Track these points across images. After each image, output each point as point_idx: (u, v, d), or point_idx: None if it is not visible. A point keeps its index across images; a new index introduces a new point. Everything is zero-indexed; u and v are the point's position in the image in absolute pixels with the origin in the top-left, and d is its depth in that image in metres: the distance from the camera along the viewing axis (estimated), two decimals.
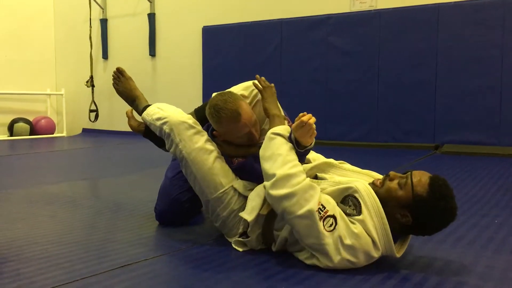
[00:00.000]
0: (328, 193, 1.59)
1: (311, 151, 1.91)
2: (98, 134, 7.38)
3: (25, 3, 7.53)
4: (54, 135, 7.48)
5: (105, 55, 7.39)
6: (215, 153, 1.84)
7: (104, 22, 7.34)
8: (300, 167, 1.59)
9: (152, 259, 1.68)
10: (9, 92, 7.27)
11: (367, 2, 5.31)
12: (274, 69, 5.77)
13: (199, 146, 1.83)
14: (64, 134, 7.65)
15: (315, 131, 1.64)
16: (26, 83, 7.54)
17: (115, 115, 7.25)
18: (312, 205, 1.48)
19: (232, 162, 1.88)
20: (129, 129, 2.16)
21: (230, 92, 1.88)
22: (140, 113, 2.10)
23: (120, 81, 2.21)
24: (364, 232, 1.47)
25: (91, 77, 6.90)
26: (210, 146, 1.85)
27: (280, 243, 1.67)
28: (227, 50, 6.15)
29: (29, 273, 1.53)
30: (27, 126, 7.10)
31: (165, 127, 1.88)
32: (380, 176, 1.66)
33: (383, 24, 5.14)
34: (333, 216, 1.48)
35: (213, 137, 1.91)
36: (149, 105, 2.09)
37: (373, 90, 5.22)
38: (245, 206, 1.76)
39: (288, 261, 1.62)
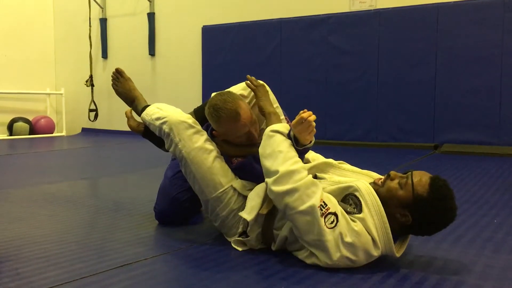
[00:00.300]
0: (329, 191, 1.59)
1: (310, 151, 1.92)
2: (98, 133, 7.38)
3: (24, 3, 7.53)
4: (54, 134, 7.48)
5: (104, 55, 7.39)
6: (214, 153, 1.85)
7: (103, 22, 7.33)
8: (302, 164, 1.59)
9: (152, 259, 1.68)
10: (9, 91, 7.26)
11: (367, 2, 5.31)
12: (274, 69, 5.77)
13: (199, 146, 1.83)
14: (64, 133, 7.65)
15: (314, 129, 1.64)
16: (26, 83, 7.54)
17: (115, 115, 7.25)
18: (314, 201, 1.48)
19: (232, 161, 1.88)
20: (128, 129, 2.16)
21: (229, 92, 1.88)
22: (139, 114, 2.10)
23: (119, 81, 2.21)
24: (365, 230, 1.48)
25: (91, 76, 6.90)
26: (210, 146, 1.85)
27: (279, 242, 1.67)
28: (227, 50, 6.15)
29: (28, 273, 1.53)
30: (26, 126, 7.09)
31: (164, 126, 1.89)
32: (380, 176, 1.66)
33: (383, 24, 5.14)
34: (335, 214, 1.48)
35: (212, 137, 1.91)
36: (148, 105, 2.09)
37: (372, 89, 5.22)
38: (244, 205, 1.76)
39: (287, 260, 1.62)
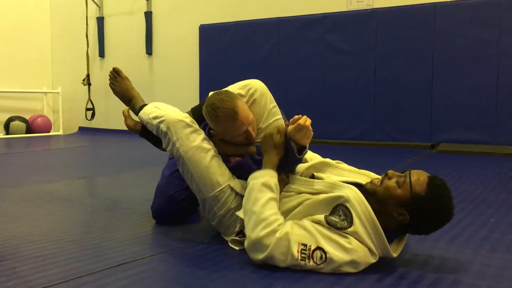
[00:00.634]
0: (319, 201, 1.58)
1: (308, 150, 1.92)
2: (95, 132, 7.37)
3: (21, 1, 7.51)
4: (51, 133, 7.46)
5: (101, 53, 7.38)
6: (212, 152, 1.84)
7: (100, 20, 7.32)
8: (273, 216, 1.55)
9: (149, 258, 1.68)
10: (5, 90, 7.24)
11: (364, 1, 5.31)
12: (271, 68, 5.77)
13: (196, 145, 1.83)
14: (61, 132, 7.63)
15: (312, 132, 1.65)
16: (23, 81, 7.52)
17: (112, 114, 7.24)
18: (294, 253, 1.48)
19: (229, 161, 1.88)
20: (125, 128, 2.16)
21: (227, 91, 1.88)
22: (136, 113, 2.10)
23: (117, 81, 2.21)
24: (359, 243, 1.47)
25: (88, 75, 6.87)
26: (207, 145, 1.85)
27: None
28: (224, 49, 6.15)
29: (25, 272, 1.53)
30: (23, 125, 7.07)
31: (162, 125, 1.88)
32: (377, 176, 1.66)
33: (380, 23, 5.15)
34: (318, 248, 1.48)
35: (210, 136, 1.91)
36: (146, 104, 2.09)
37: (369, 89, 5.23)
38: (241, 205, 1.76)
39: None
